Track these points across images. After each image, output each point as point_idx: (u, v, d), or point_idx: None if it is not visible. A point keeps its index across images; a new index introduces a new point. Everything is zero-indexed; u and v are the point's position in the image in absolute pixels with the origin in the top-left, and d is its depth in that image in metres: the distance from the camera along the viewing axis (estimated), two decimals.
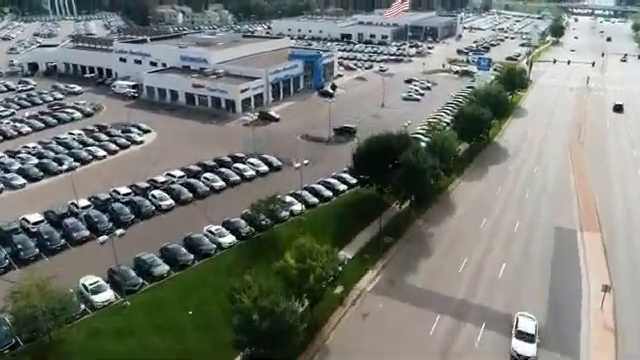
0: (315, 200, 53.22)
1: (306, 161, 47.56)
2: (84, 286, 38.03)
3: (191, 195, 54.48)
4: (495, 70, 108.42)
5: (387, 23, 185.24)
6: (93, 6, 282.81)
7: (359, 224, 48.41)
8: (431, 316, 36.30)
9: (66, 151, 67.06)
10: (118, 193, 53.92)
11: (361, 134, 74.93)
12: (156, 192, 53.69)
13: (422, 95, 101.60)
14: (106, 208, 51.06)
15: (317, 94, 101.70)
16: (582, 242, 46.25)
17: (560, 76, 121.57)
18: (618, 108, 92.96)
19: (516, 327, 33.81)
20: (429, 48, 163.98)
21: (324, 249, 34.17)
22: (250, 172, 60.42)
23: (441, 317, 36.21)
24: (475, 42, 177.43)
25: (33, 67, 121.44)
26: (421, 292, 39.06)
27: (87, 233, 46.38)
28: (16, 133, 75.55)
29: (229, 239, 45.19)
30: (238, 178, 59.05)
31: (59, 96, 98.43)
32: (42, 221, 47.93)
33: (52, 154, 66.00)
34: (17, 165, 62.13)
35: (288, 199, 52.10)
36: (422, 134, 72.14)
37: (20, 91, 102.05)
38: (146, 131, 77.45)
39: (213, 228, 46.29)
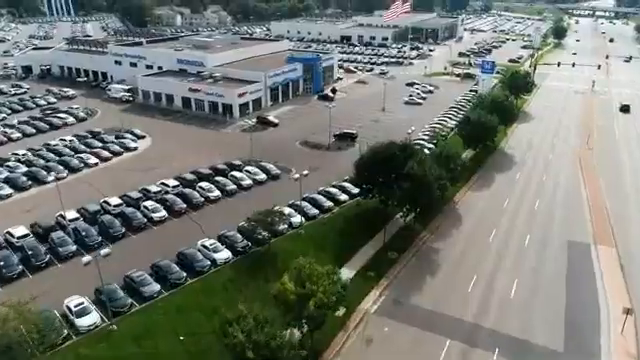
0: (315, 211, 50.76)
1: (305, 172, 45.14)
2: (68, 308, 35.54)
3: (185, 206, 52.01)
4: (498, 73, 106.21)
5: (387, 25, 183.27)
6: (91, 7, 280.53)
7: (361, 238, 45.99)
8: (440, 341, 33.84)
9: (57, 159, 64.61)
10: (109, 204, 51.43)
11: (362, 140, 73.03)
12: (148, 203, 51.19)
13: (424, 99, 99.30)
14: (96, 220, 48.60)
15: (317, 98, 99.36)
16: (597, 257, 43.84)
17: (564, 79, 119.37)
18: (625, 108, 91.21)
19: None
20: (430, 50, 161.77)
21: (325, 270, 31.70)
22: (247, 181, 57.99)
23: (451, 342, 33.75)
24: (476, 44, 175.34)
25: (27, 70, 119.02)
26: (428, 314, 36.61)
27: (74, 248, 43.85)
28: (6, 139, 73.08)
29: (224, 255, 42.71)
30: (235, 187, 56.61)
31: (52, 100, 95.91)
32: (27, 235, 45.42)
33: (42, 162, 63.49)
34: (4, 174, 59.56)
35: (287, 211, 49.64)
36: (425, 140, 69.99)
37: (13, 95, 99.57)
38: (140, 137, 74.98)
39: (208, 243, 43.82)
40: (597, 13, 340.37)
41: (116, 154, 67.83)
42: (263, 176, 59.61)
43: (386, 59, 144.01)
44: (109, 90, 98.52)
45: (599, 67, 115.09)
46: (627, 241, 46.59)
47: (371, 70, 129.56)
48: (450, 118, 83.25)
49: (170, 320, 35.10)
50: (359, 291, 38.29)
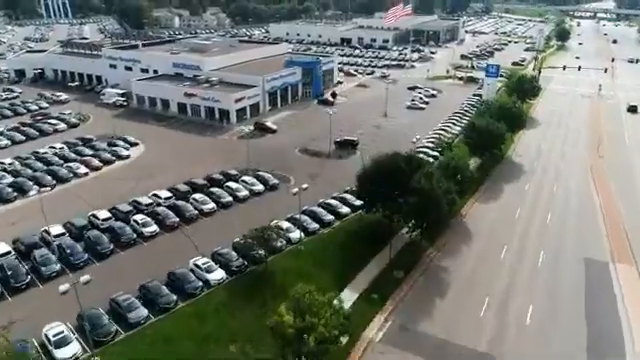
0: (315, 226, 47.93)
1: (305, 185, 42.37)
2: (47, 337, 32.70)
3: (177, 220, 49.20)
4: (502, 76, 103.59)
5: (388, 27, 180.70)
6: (89, 10, 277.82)
7: (365, 255, 43.20)
8: None
9: (45, 168, 61.82)
10: (97, 218, 48.59)
11: (364, 148, 70.32)
12: (139, 217, 48.34)
13: (427, 103, 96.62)
14: (82, 236, 45.77)
15: (316, 102, 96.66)
16: (617, 277, 41.01)
17: (569, 82, 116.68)
18: (633, 109, 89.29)
19: None
20: (431, 53, 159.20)
21: (327, 298, 28.92)
22: (244, 192, 55.17)
23: None
24: (478, 47, 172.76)
25: (20, 74, 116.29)
26: (438, 343, 33.75)
27: (58, 267, 41.03)
28: None
29: (218, 275, 39.87)
30: (230, 199, 53.78)
31: (44, 105, 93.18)
32: (9, 252, 42.59)
33: (29, 172, 60.69)
34: None
35: (285, 225, 46.91)
36: (430, 148, 67.28)
37: (4, 99, 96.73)
38: (134, 144, 72.20)
39: (200, 262, 40.96)
40: (598, 15, 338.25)
41: (107, 162, 65.02)
42: (260, 187, 56.81)
43: (387, 62, 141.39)
44: (103, 95, 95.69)
45: (605, 70, 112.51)
46: None
47: (372, 73, 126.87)
48: (454, 124, 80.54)
49: (157, 350, 32.20)
50: (363, 316, 35.41)
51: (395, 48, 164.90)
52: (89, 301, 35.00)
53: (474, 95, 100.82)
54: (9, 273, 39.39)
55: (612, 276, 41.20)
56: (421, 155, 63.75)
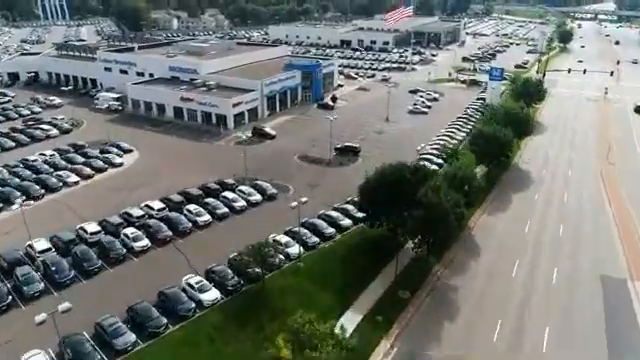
0: (315, 240, 45.45)
1: (304, 199, 39.92)
2: None
3: (170, 233, 46.69)
4: (505, 79, 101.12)
5: (388, 29, 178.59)
6: (86, 11, 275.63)
7: (368, 272, 40.74)
8: None
9: (34, 176, 59.30)
10: (85, 232, 46.11)
11: (366, 155, 67.98)
12: (129, 230, 45.81)
13: (429, 107, 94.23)
14: (69, 251, 43.27)
15: (316, 107, 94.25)
16: (637, 297, 38.57)
17: (574, 86, 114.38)
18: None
19: None
20: (432, 55, 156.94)
21: (328, 328, 26.50)
22: (240, 203, 52.67)
23: None
24: (480, 49, 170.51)
25: (14, 77, 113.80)
26: None
27: (41, 287, 38.54)
28: None
29: (212, 295, 37.37)
30: (226, 210, 51.27)
31: (37, 110, 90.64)
32: None
33: (17, 181, 58.20)
34: None
35: (283, 239, 44.53)
36: (434, 155, 64.90)
37: None
38: (127, 151, 69.70)
39: (193, 280, 38.46)
40: (599, 16, 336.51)
41: (99, 170, 62.53)
42: (258, 197, 54.33)
43: (388, 64, 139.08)
44: (97, 99, 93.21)
45: (612, 74, 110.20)
46: None
47: (372, 76, 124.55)
48: (458, 129, 78.12)
49: None
50: (368, 342, 32.91)
51: (396, 50, 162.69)
52: (72, 325, 32.75)
53: (477, 99, 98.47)
54: None
55: (632, 295, 38.72)
56: (425, 163, 61.71)
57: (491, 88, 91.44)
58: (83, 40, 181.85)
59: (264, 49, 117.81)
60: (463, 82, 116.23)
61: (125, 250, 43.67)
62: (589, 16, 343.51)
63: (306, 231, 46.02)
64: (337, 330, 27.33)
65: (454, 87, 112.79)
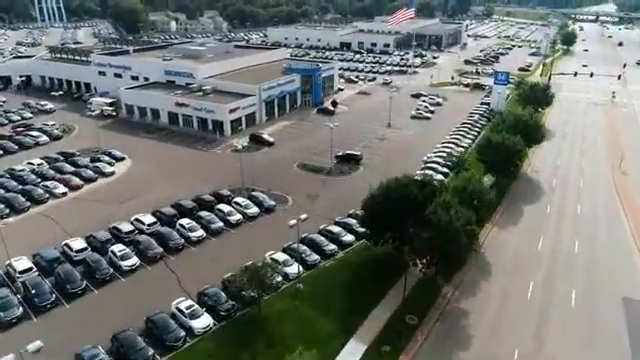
0: (315, 258, 42.62)
1: (304, 215, 37.15)
2: None
3: (161, 250, 43.83)
4: (510, 83, 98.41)
5: (389, 31, 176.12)
6: (84, 13, 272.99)
7: (372, 295, 37.90)
8: None
9: (19, 187, 56.44)
10: (70, 249, 43.27)
11: (368, 163, 65.24)
12: (117, 248, 42.94)
13: (432, 112, 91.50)
14: (53, 271, 40.41)
15: (316, 111, 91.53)
16: None
17: (580, 89, 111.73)
18: None
19: None
20: (434, 58, 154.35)
21: None
22: (236, 216, 49.77)
23: None
24: (482, 51, 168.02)
25: (6, 81, 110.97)
26: None
27: (20, 312, 35.67)
28: None
29: (204, 322, 34.47)
30: (221, 225, 48.38)
31: (28, 115, 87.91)
32: None
33: (2, 192, 55.32)
34: None
35: (281, 257, 41.71)
36: (440, 163, 62.12)
37: None
38: (119, 159, 66.90)
39: (184, 305, 35.54)
40: (601, 18, 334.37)
41: (89, 181, 59.71)
42: (255, 209, 51.47)
43: (389, 67, 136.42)
44: (90, 104, 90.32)
45: (619, 77, 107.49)
46: None
47: (373, 80, 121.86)
48: (464, 136, 75.34)
49: None
50: None
51: (396, 53, 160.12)
52: (50, 357, 29.87)
53: (482, 103, 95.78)
54: None
55: None
56: (430, 172, 59.10)
57: (497, 93, 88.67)
58: (80, 43, 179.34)
59: (262, 52, 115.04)
60: (466, 86, 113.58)
61: (112, 270, 40.82)
62: (591, 18, 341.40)
63: (305, 248, 43.18)
64: None
65: (457, 91, 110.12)
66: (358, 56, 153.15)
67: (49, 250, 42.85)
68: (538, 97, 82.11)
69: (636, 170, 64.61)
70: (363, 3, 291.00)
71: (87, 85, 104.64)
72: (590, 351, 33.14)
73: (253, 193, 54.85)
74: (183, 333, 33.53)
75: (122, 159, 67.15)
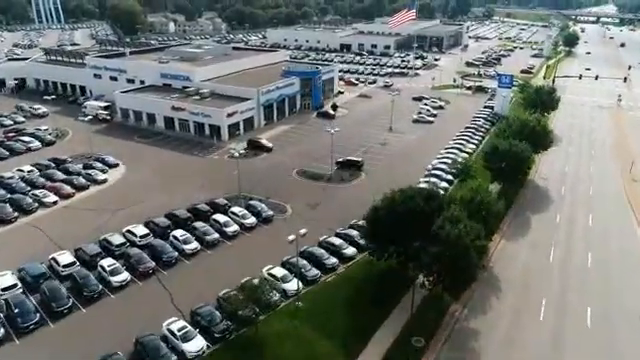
0: (315, 272, 40.49)
1: (303, 230, 35.03)
2: None
3: (153, 264, 41.65)
4: (514, 86, 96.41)
5: (389, 32, 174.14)
6: (82, 14, 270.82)
7: (376, 314, 35.71)
8: None
9: (8, 196, 54.24)
10: (58, 264, 41.09)
11: (369, 170, 63.20)
12: (107, 262, 40.70)
13: (434, 116, 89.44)
14: (38, 287, 38.27)
15: (315, 115, 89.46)
16: None
17: (585, 92, 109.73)
18: None
19: None
20: (435, 59, 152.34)
21: None
22: (233, 227, 47.61)
23: None
24: (483, 53, 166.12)
25: (0, 84, 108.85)
26: None
27: (1, 333, 33.54)
28: None
29: (197, 344, 32.27)
30: (217, 236, 46.23)
31: (20, 119, 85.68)
32: None
33: None
34: None
35: (280, 273, 39.61)
36: (444, 170, 60.04)
37: None
38: (113, 165, 64.80)
39: (175, 327, 33.37)
40: (602, 19, 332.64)
41: (81, 188, 57.54)
42: (252, 220, 49.33)
43: (389, 69, 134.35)
44: (84, 108, 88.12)
45: (625, 80, 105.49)
46: None
47: (374, 82, 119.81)
48: (468, 141, 73.31)
49: None
50: None
51: (397, 55, 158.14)
52: None
53: (485, 107, 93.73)
54: None
55: None
56: (434, 179, 57.11)
57: (501, 96, 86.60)
58: (77, 44, 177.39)
59: (261, 54, 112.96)
60: (469, 88, 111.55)
61: (100, 287, 38.62)
62: (591, 19, 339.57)
63: (305, 262, 41.03)
64: None
65: (459, 94, 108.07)
66: (359, 58, 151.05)
67: (35, 265, 40.69)
68: (544, 101, 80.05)
69: None
70: (363, 4, 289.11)
71: (82, 88, 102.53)
72: None
73: (251, 202, 52.78)
74: (175, 358, 31.36)
75: (116, 165, 65.07)
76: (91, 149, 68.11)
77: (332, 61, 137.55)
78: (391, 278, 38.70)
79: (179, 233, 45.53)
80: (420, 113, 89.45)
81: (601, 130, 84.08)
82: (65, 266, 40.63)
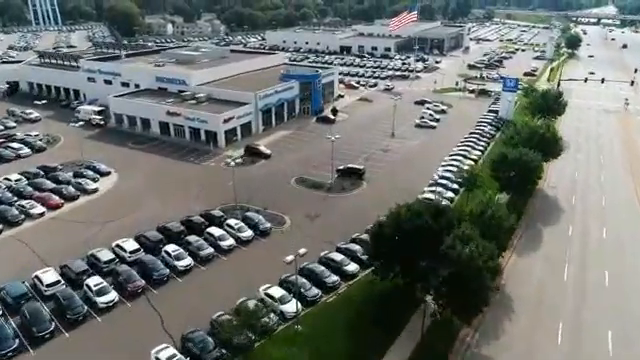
0: (316, 292, 37.98)
1: (303, 250, 32.55)
2: None
3: (143, 283, 39.15)
4: (517, 90, 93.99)
5: (389, 34, 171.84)
6: (79, 16, 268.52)
7: (381, 339, 33.25)
8: None
9: None
10: (41, 282, 38.56)
11: (371, 178, 60.78)
12: (93, 281, 38.20)
13: (437, 120, 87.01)
14: (19, 309, 35.73)
15: (315, 120, 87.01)
16: None
17: (590, 96, 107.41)
18: None
19: None
20: (436, 62, 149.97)
21: None
22: (228, 242, 45.09)
23: None
24: (485, 55, 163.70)
25: None
26: None
27: None
28: None
29: None
30: (211, 251, 43.76)
31: (11, 125, 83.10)
32: None
33: None
34: None
35: (278, 293, 37.12)
36: (450, 179, 57.57)
37: None
38: (105, 173, 62.30)
39: (165, 355, 30.87)
40: (603, 21, 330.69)
41: (70, 199, 55.01)
42: (249, 233, 46.81)
43: (390, 72, 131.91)
44: (78, 112, 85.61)
45: (632, 83, 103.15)
46: None
47: (375, 85, 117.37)
48: (473, 147, 70.87)
49: None
50: None
51: (398, 57, 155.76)
52: None
53: (489, 111, 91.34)
54: None
55: None
56: (440, 188, 54.66)
57: (507, 101, 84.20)
58: (73, 46, 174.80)
59: (260, 57, 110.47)
60: (472, 92, 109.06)
61: (86, 307, 36.12)
62: (592, 20, 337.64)
63: (305, 281, 38.51)
64: None
65: (462, 97, 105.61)
66: (359, 60, 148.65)
67: (16, 284, 38.19)
68: (550, 105, 77.66)
69: None
70: (362, 6, 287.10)
71: (77, 92, 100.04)
72: None
73: (247, 213, 50.26)
74: None
75: (108, 173, 62.56)
76: (82, 156, 65.56)
77: (332, 63, 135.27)
78: (396, 297, 36.22)
79: (171, 248, 43.00)
80: (422, 117, 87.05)
81: (609, 135, 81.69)
82: (49, 285, 38.10)
